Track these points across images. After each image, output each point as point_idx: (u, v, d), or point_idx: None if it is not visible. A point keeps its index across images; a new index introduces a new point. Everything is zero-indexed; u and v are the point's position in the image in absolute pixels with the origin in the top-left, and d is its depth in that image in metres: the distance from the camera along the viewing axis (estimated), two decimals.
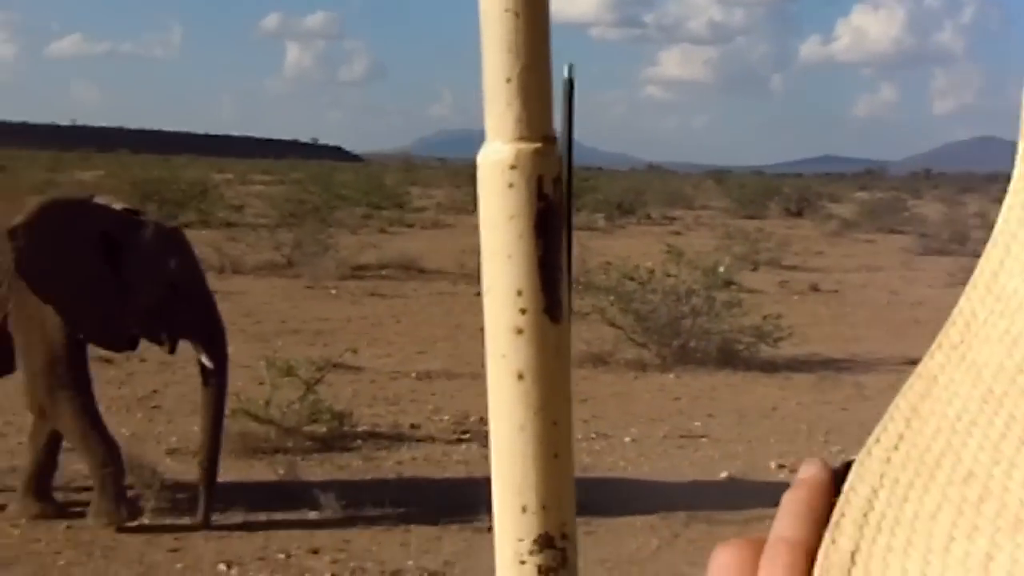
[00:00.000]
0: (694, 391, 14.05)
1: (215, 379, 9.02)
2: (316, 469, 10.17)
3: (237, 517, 8.88)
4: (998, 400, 0.59)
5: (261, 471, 10.01)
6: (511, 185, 0.80)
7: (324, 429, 11.01)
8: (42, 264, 8.39)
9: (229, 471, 9.92)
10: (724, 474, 10.34)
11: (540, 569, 0.84)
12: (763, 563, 0.64)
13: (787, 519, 0.65)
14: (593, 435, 11.45)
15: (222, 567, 7.91)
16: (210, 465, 8.82)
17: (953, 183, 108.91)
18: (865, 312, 21.66)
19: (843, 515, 0.61)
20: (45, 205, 8.63)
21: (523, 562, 0.85)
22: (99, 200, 9.24)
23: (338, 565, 8.05)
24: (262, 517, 8.92)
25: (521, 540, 0.85)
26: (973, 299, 0.67)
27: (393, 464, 10.41)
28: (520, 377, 0.81)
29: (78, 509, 8.79)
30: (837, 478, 0.65)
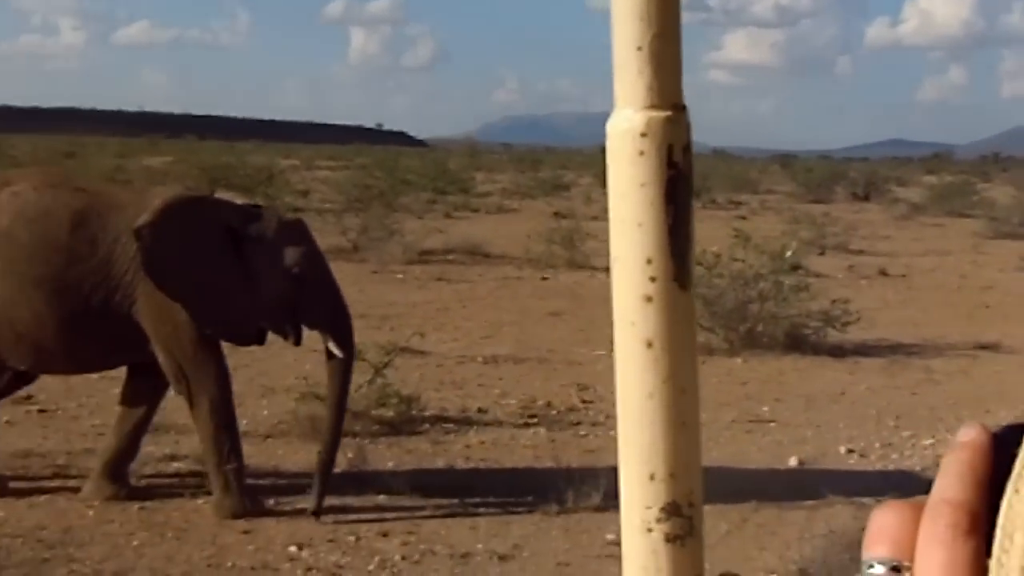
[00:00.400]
0: (762, 376, 13.98)
1: (341, 369, 8.94)
2: (384, 453, 10.22)
3: (307, 501, 8.93)
4: None
5: None
6: (642, 153, 0.80)
7: (392, 413, 11.05)
8: (168, 263, 8.38)
9: (299, 453, 10.01)
10: (793, 459, 10.29)
11: (667, 537, 0.84)
12: (924, 523, 0.64)
13: (949, 480, 0.65)
14: None
15: (293, 549, 7.97)
16: (329, 454, 8.76)
17: (1022, 166, 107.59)
18: (934, 296, 21.47)
19: None
20: (169, 203, 8.56)
21: (650, 530, 0.85)
22: (219, 196, 9.31)
23: (408, 548, 8.09)
24: (333, 500, 8.95)
25: (649, 508, 0.85)
26: None
27: (461, 448, 10.44)
28: (649, 345, 0.82)
29: (162, 490, 8.89)
30: (997, 440, 0.65)
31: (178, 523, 8.38)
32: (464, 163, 69.64)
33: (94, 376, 12.60)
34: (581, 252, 23.87)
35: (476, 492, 9.23)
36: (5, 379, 9.08)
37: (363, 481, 9.32)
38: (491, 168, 72.99)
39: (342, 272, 22.00)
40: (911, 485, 9.90)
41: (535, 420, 11.42)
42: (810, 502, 8.96)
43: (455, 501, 8.98)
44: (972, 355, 15.70)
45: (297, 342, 9.11)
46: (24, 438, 10.21)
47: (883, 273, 24.27)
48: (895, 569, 0.66)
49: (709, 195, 46.24)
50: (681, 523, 0.84)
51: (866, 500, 9.36)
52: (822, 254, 25.96)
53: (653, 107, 0.80)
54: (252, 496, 8.69)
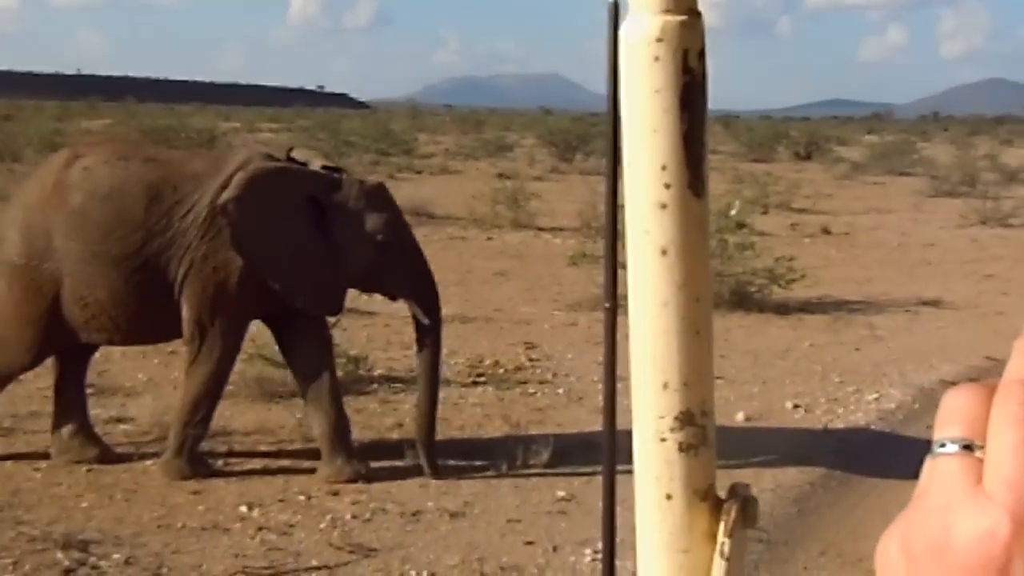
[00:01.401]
0: None
1: (430, 335, 8.79)
2: None
3: (257, 461, 8.92)
4: None
5: (279, 415, 10.05)
6: (656, 58, 0.80)
7: (340, 373, 10.98)
8: (255, 237, 8.27)
9: (247, 415, 9.98)
10: (740, 415, 10.35)
11: (681, 446, 0.84)
12: (997, 403, 0.65)
13: (1021, 361, 0.66)
14: None
15: (243, 509, 7.95)
16: (428, 421, 8.67)
17: (961, 126, 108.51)
18: (876, 254, 21.63)
19: None
20: (253, 176, 8.37)
21: (663, 439, 0.85)
22: (296, 155, 9.10)
23: (358, 506, 8.09)
24: (283, 461, 8.95)
25: (662, 417, 0.85)
26: None
27: (409, 407, 10.40)
28: (663, 253, 0.81)
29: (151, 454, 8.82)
30: None
31: (127, 484, 8.33)
32: (407, 125, 69.45)
33: None
34: (525, 212, 23.88)
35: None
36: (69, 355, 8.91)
37: (313, 441, 9.30)
38: (434, 130, 72.77)
39: None
40: (857, 439, 10.02)
41: (483, 379, 11.43)
42: (757, 457, 9.02)
43: (405, 460, 8.98)
44: (914, 311, 15.85)
45: (394, 299, 9.08)
46: None
47: (826, 231, 24.41)
48: (967, 448, 0.66)
49: None
50: (694, 432, 0.84)
51: (812, 455, 9.46)
52: (765, 213, 26.05)
53: (668, 12, 0.80)
54: (203, 462, 8.62)
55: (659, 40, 0.79)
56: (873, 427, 10.45)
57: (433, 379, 8.78)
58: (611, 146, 1.10)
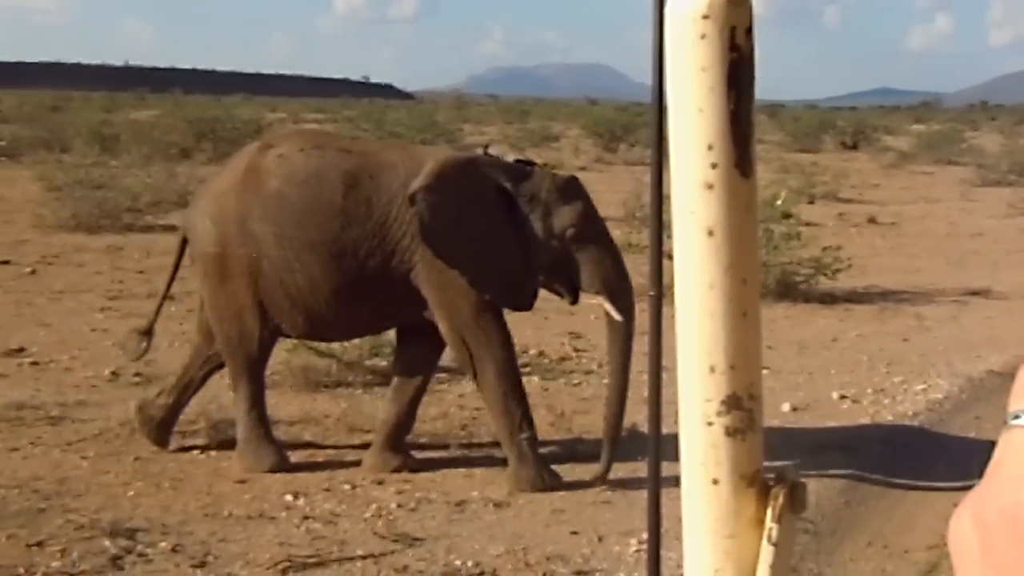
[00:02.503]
0: None
1: (623, 332, 8.48)
2: (379, 402, 10.17)
3: (303, 450, 8.95)
4: None
5: (324, 404, 10.09)
6: (703, 36, 0.78)
7: (386, 363, 11.03)
8: (444, 228, 8.11)
9: (292, 404, 10.02)
10: (786, 405, 10.30)
11: (727, 430, 0.83)
12: None
13: None
14: None
15: (289, 498, 7.98)
16: (616, 418, 8.46)
17: (1010, 114, 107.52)
18: (924, 244, 21.48)
19: None
20: (443, 166, 8.21)
21: (710, 423, 0.84)
22: (492, 151, 8.89)
23: (403, 496, 8.10)
24: (328, 450, 8.98)
25: (708, 401, 0.83)
26: None
27: (455, 397, 10.44)
28: (710, 234, 0.80)
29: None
30: None
31: (174, 473, 8.38)
32: (452, 115, 69.48)
33: (86, 328, 12.62)
34: None
35: (472, 440, 9.25)
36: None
37: (358, 430, 9.34)
38: (479, 120, 72.76)
39: None
40: (903, 430, 9.95)
41: (528, 369, 11.41)
42: (806, 447, 8.98)
43: (450, 450, 8.99)
44: (962, 301, 15.72)
45: (574, 301, 8.78)
46: (17, 390, 10.20)
47: (872, 221, 24.26)
48: None
49: None
50: (741, 416, 0.82)
51: (859, 445, 9.40)
52: (811, 203, 25.94)
53: None
54: (551, 471, 8.42)
55: (706, 17, 0.77)
56: (921, 418, 10.37)
57: (624, 377, 8.50)
58: (656, 132, 1.10)
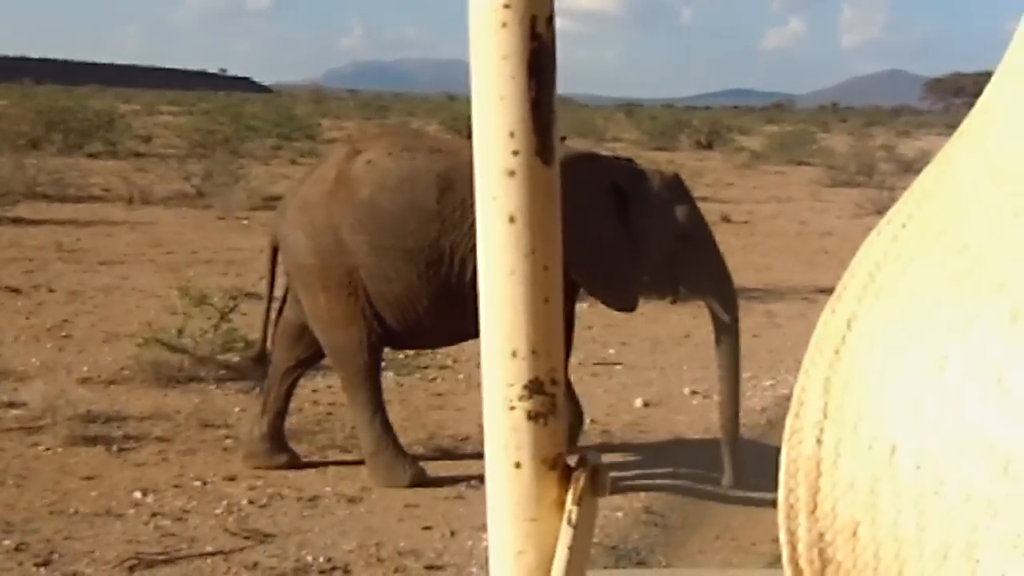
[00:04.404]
0: (607, 319, 14.08)
1: (730, 333, 8.44)
2: (231, 398, 10.13)
3: (152, 446, 8.82)
4: (1004, 176, 0.61)
5: (175, 400, 9.96)
6: (504, 24, 0.79)
7: (238, 358, 10.93)
8: (563, 226, 7.75)
9: (142, 400, 9.88)
10: (639, 401, 10.42)
11: (529, 414, 0.84)
12: None
13: None
14: None
15: (137, 495, 7.86)
16: (732, 422, 8.38)
17: (860, 117, 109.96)
18: (775, 242, 21.86)
19: (845, 288, 0.63)
20: (560, 164, 7.78)
21: (512, 407, 0.85)
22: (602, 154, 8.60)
23: (255, 492, 8.03)
24: (178, 446, 8.86)
25: (511, 385, 0.85)
26: (996, 89, 0.68)
27: (308, 392, 10.37)
28: (512, 220, 0.81)
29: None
30: None
31: (18, 470, 8.21)
32: (310, 109, 68.99)
33: None
34: None
35: (323, 436, 9.20)
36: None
37: (209, 426, 9.24)
38: (337, 114, 72.38)
39: (186, 218, 21.89)
40: (753, 424, 10.12)
41: (384, 365, 11.38)
42: (656, 442, 9.09)
43: (303, 446, 8.93)
44: (812, 299, 16.03)
45: (675, 301, 8.70)
46: None
47: (726, 219, 24.61)
48: None
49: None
50: (543, 401, 0.84)
51: (709, 440, 9.54)
52: None
53: None
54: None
55: (507, 6, 0.79)
56: (768, 412, 10.56)
57: (735, 378, 8.42)
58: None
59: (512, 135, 0.79)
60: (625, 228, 8.22)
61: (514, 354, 0.83)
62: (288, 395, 8.70)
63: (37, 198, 22.87)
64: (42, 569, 6.65)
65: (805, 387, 0.64)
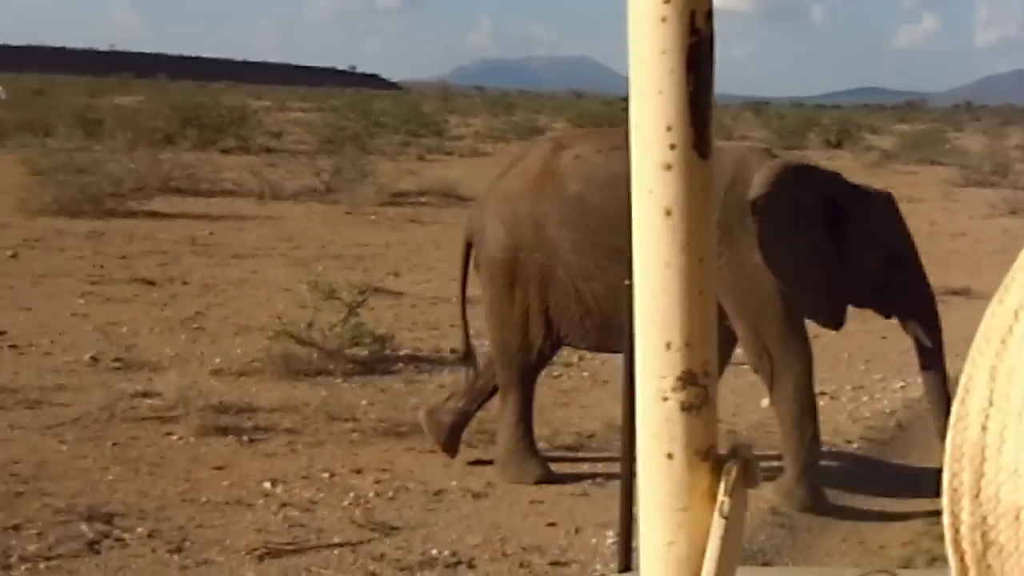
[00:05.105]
0: None
1: (936, 355, 8.13)
2: (358, 391, 10.23)
3: (282, 438, 8.95)
4: None
5: (304, 393, 10.08)
6: (664, 19, 0.80)
7: (366, 352, 11.05)
8: (779, 236, 7.73)
9: (272, 392, 10.02)
10: (765, 401, 10.33)
11: (682, 405, 0.85)
12: None
13: None
14: None
15: (267, 485, 7.98)
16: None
17: (994, 116, 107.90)
18: None
19: (1013, 279, 0.64)
20: (781, 172, 7.80)
21: (665, 399, 0.86)
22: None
23: (382, 484, 8.11)
24: (307, 438, 8.98)
25: (664, 377, 0.85)
26: None
27: (435, 387, 10.45)
28: (668, 213, 0.82)
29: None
30: None
31: (152, 459, 8.37)
32: (437, 106, 69.56)
33: (67, 312, 12.61)
34: None
35: None
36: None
37: (337, 419, 9.35)
38: (464, 111, 72.80)
39: (315, 213, 22.16)
40: (882, 426, 9.99)
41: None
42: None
43: (429, 440, 9.00)
44: (943, 300, 15.63)
45: (887, 317, 8.44)
46: None
47: None
48: None
49: None
50: (696, 392, 0.84)
51: (837, 441, 9.44)
52: None
53: None
54: (820, 492, 8.11)
55: (667, 1, 0.80)
56: (898, 415, 10.42)
57: (945, 400, 7.94)
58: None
59: (669, 129, 0.80)
60: (837, 244, 7.94)
61: (668, 346, 0.84)
62: (487, 395, 8.69)
63: (171, 192, 23.33)
64: (175, 556, 6.78)
65: (971, 375, 0.65)
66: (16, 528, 6.93)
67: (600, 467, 8.43)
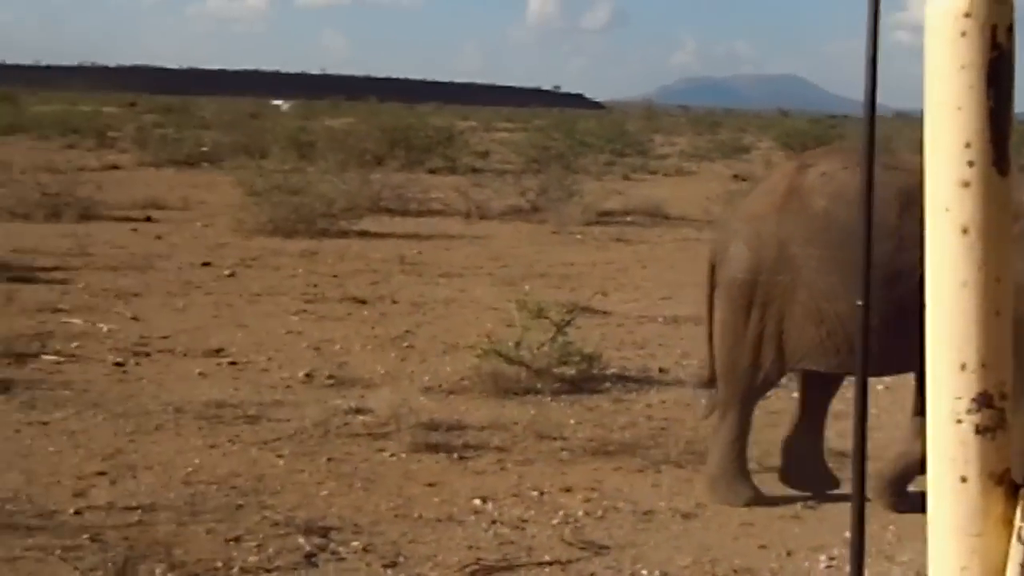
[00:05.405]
0: None
1: None
2: (566, 410, 10.26)
3: (491, 455, 9.02)
4: None
5: (513, 411, 10.15)
6: (963, 34, 0.78)
7: (574, 371, 11.08)
8: None
9: (480, 410, 10.11)
10: None
11: (977, 428, 0.83)
12: None
13: None
14: None
15: (477, 502, 8.04)
16: None
17: None
18: None
19: None
20: None
21: (959, 421, 0.84)
22: None
23: (591, 504, 8.10)
24: (516, 456, 9.03)
25: (958, 398, 0.83)
26: None
27: (642, 407, 10.43)
28: (964, 231, 0.80)
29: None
30: None
31: (365, 474, 8.51)
32: (642, 125, 69.49)
33: (282, 330, 12.94)
34: None
35: (658, 450, 9.21)
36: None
37: (546, 437, 9.39)
38: (669, 130, 72.60)
39: (521, 232, 22.33)
40: None
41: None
42: None
43: (637, 459, 8.98)
44: None
45: None
46: (216, 389, 10.49)
47: None
48: None
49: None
50: (991, 414, 0.82)
51: None
52: None
53: None
54: None
55: (967, 15, 0.77)
56: None
57: None
58: (867, 141, 1.09)
59: (968, 146, 0.78)
60: None
61: (963, 367, 0.82)
62: (823, 415, 8.51)
63: (381, 212, 23.77)
64: (389, 570, 6.88)
65: None
66: (237, 540, 7.12)
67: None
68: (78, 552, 6.78)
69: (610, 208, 25.25)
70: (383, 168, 29.75)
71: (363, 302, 14.90)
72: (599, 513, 7.94)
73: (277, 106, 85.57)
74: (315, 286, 16.01)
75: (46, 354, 11.52)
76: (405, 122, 42.30)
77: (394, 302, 15.04)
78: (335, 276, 16.86)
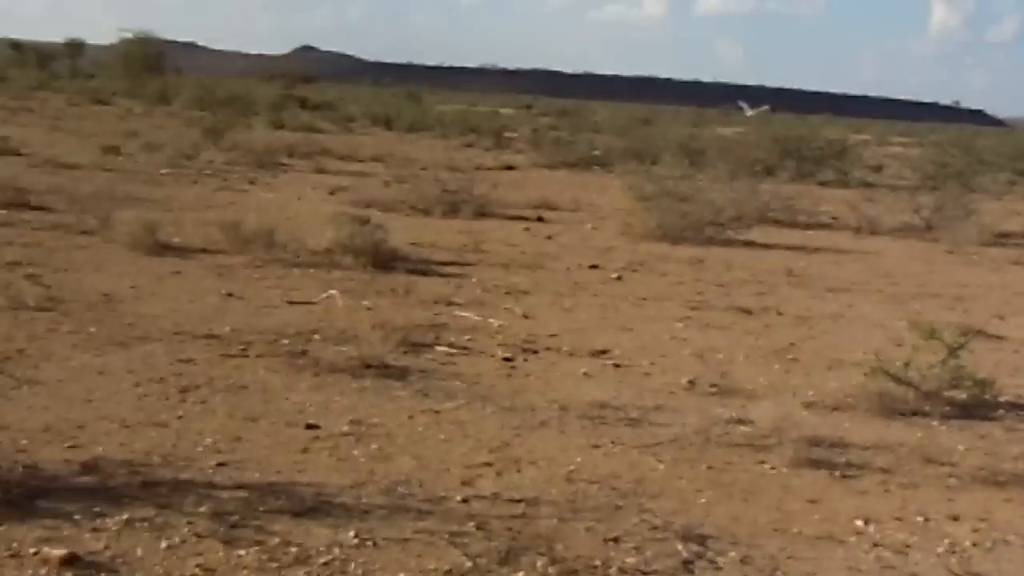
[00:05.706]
0: None
1: None
2: (956, 435, 9.92)
3: (875, 476, 8.80)
4: None
5: (899, 432, 9.88)
6: None
7: (965, 395, 10.70)
8: None
9: (864, 429, 9.88)
10: None
11: None
12: None
13: None
14: None
15: (859, 523, 7.86)
16: None
17: None
18: None
19: None
20: None
21: None
22: None
23: (979, 534, 7.79)
24: (900, 478, 8.79)
25: None
26: None
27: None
28: None
29: None
30: None
31: (745, 485, 8.45)
32: None
33: (666, 336, 13.01)
34: None
35: None
36: None
37: (932, 461, 9.11)
38: None
39: (914, 250, 21.73)
40: None
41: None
42: None
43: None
44: None
45: None
46: (600, 389, 10.63)
47: None
48: None
49: None
50: None
51: None
52: None
53: None
54: None
55: None
56: None
57: None
58: None
59: None
60: None
61: None
62: None
63: (769, 223, 23.60)
64: None
65: None
66: (615, 540, 7.18)
67: None
68: (464, 538, 6.97)
69: (1009, 230, 24.28)
70: (773, 178, 29.54)
71: (748, 312, 14.83)
72: (988, 545, 7.63)
73: (741, 109, 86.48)
74: (700, 294, 16.04)
75: (440, 345, 11.94)
76: (797, 133, 41.84)
77: (779, 314, 14.90)
78: (721, 285, 16.85)
